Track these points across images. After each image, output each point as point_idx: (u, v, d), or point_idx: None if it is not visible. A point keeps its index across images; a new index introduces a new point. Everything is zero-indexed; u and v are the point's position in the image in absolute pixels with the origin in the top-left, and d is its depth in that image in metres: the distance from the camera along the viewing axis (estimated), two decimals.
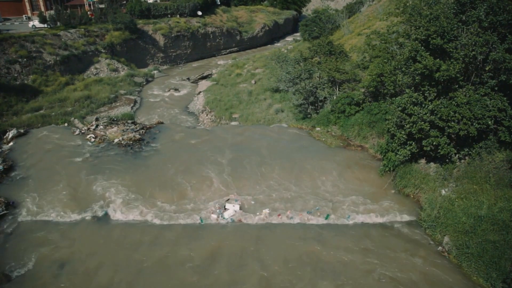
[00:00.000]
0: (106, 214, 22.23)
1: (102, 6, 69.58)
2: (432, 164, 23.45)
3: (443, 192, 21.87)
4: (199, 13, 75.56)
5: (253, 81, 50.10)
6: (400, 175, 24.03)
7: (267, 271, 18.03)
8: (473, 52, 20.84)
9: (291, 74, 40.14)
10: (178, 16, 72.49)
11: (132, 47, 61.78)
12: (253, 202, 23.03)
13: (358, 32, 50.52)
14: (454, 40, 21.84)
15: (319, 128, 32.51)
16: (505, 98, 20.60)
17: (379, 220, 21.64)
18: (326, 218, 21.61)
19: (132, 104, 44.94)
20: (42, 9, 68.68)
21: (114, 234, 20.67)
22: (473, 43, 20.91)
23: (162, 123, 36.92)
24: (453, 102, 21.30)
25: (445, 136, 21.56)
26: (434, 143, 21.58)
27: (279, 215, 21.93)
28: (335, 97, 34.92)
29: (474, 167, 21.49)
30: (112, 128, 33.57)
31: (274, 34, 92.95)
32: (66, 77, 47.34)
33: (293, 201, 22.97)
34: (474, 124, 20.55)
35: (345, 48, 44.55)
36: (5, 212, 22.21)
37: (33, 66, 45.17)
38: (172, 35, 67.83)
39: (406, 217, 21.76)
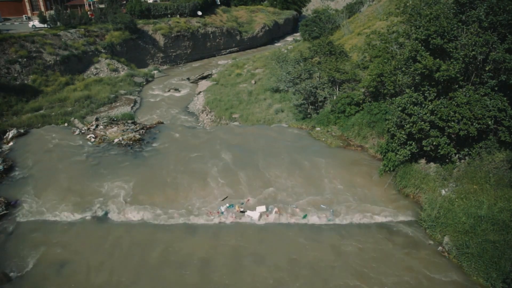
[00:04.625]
0: (106, 214, 22.23)
1: (102, 6, 69.58)
2: (432, 164, 23.44)
3: (443, 192, 21.87)
4: (199, 13, 75.54)
5: (253, 81, 50.10)
6: (400, 175, 24.02)
7: (267, 271, 18.03)
8: (473, 52, 20.84)
9: (291, 74, 40.17)
10: (178, 16, 72.47)
11: (132, 47, 61.77)
12: (253, 202, 23.01)
13: (358, 32, 50.50)
14: (454, 40, 21.85)
15: (319, 128, 32.51)
16: (505, 98, 20.60)
17: (379, 220, 21.64)
18: (304, 217, 21.65)
19: (132, 104, 44.92)
20: (42, 9, 68.68)
21: (114, 234, 20.67)
22: (473, 43, 20.90)
23: (162, 123, 36.94)
24: (453, 102, 21.29)
25: (445, 136, 21.55)
26: (434, 143, 21.57)
27: (277, 211, 21.95)
28: (335, 97, 34.92)
29: (474, 167, 21.49)
30: (112, 128, 33.58)
31: (274, 34, 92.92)
32: (66, 77, 47.33)
33: (292, 201, 22.96)
34: (474, 124, 20.55)
35: (345, 48, 44.55)
36: (5, 212, 22.22)
37: (33, 66, 45.15)
38: (172, 35, 67.80)
39: (406, 217, 21.75)
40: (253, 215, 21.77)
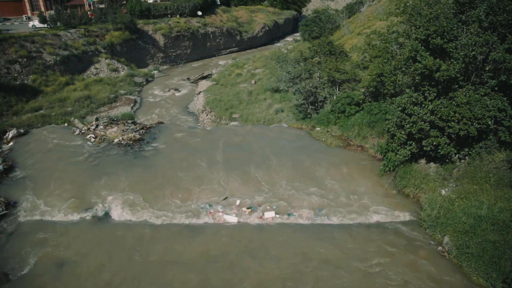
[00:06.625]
0: (106, 214, 22.24)
1: (102, 6, 69.63)
2: (432, 164, 23.44)
3: (443, 192, 21.88)
4: (199, 13, 75.57)
5: (253, 81, 50.10)
6: (400, 175, 24.02)
7: (266, 271, 18.02)
8: (473, 52, 20.84)
9: (291, 74, 40.17)
10: (178, 16, 72.50)
11: (132, 47, 61.77)
12: (252, 202, 23.02)
13: (358, 32, 50.52)
14: (454, 40, 21.84)
15: (319, 128, 32.51)
16: (505, 98, 20.60)
17: (379, 220, 21.64)
18: (290, 215, 21.74)
19: (132, 104, 44.91)
20: (42, 9, 68.72)
21: (114, 234, 20.67)
22: (473, 43, 20.90)
23: (162, 123, 36.93)
24: (453, 102, 21.29)
25: (445, 136, 21.55)
26: (434, 143, 21.57)
27: (279, 215, 21.96)
28: (335, 97, 34.92)
29: (474, 167, 21.49)
30: (112, 128, 33.57)
31: (274, 34, 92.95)
32: (66, 77, 47.33)
33: (292, 201, 22.96)
34: (474, 124, 20.55)
35: (345, 48, 44.54)
36: (5, 212, 22.21)
37: (33, 66, 45.15)
38: (172, 35, 67.81)
39: (406, 217, 21.76)
40: (231, 219, 21.65)
